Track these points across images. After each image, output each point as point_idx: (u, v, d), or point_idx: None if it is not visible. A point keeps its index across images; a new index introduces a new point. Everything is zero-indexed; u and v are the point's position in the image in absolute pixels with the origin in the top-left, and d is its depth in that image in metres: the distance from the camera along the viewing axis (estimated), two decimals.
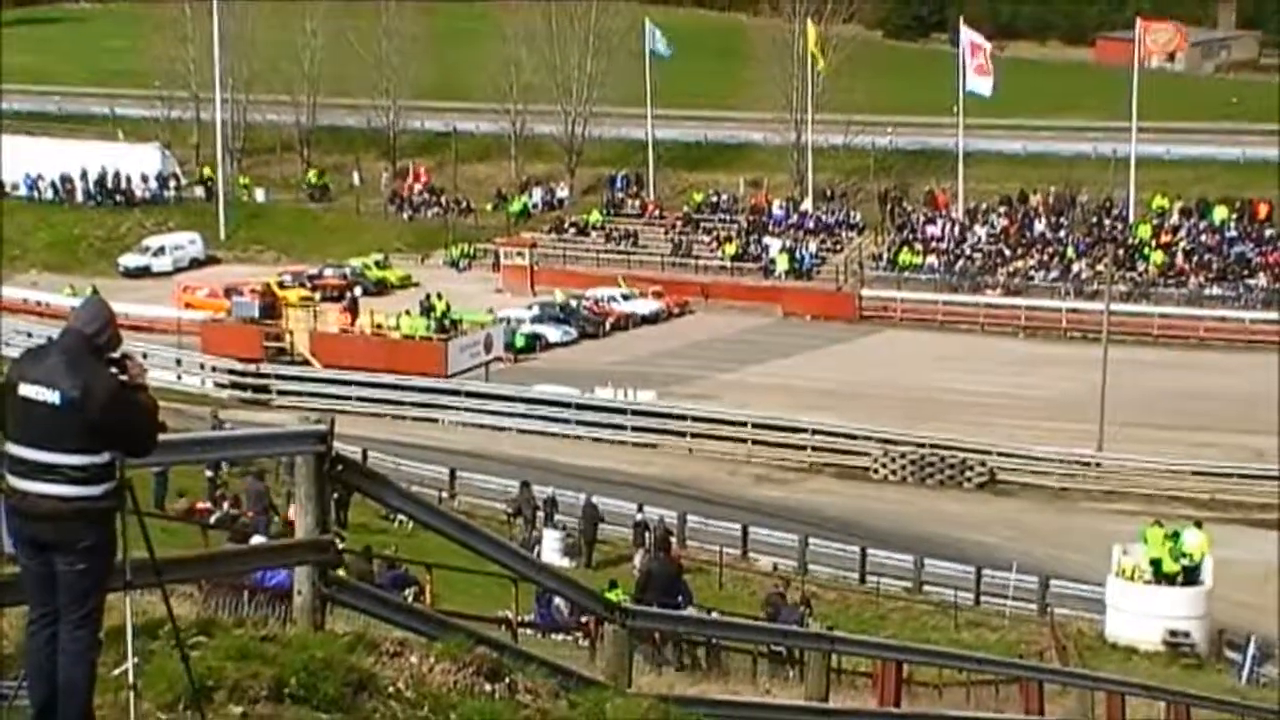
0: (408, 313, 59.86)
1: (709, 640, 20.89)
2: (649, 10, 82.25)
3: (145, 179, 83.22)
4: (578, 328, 65.44)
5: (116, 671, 7.01)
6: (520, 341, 62.42)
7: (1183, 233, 71.63)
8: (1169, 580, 34.61)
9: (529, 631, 19.99)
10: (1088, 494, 47.56)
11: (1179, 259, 69.61)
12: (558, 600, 20.37)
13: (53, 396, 6.39)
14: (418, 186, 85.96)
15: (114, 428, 6.46)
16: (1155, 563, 34.58)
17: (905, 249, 72.89)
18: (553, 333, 64.36)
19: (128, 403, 6.51)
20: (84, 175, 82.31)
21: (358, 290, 68.81)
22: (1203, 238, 71.04)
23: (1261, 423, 50.50)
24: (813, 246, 74.47)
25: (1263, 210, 71.58)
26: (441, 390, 54.58)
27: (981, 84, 74.47)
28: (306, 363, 57.87)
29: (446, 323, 58.99)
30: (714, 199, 79.96)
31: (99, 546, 6.50)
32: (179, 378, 56.20)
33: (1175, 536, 34.88)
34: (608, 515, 40.61)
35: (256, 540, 19.53)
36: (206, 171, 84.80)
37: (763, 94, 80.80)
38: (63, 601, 6.49)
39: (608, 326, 66.56)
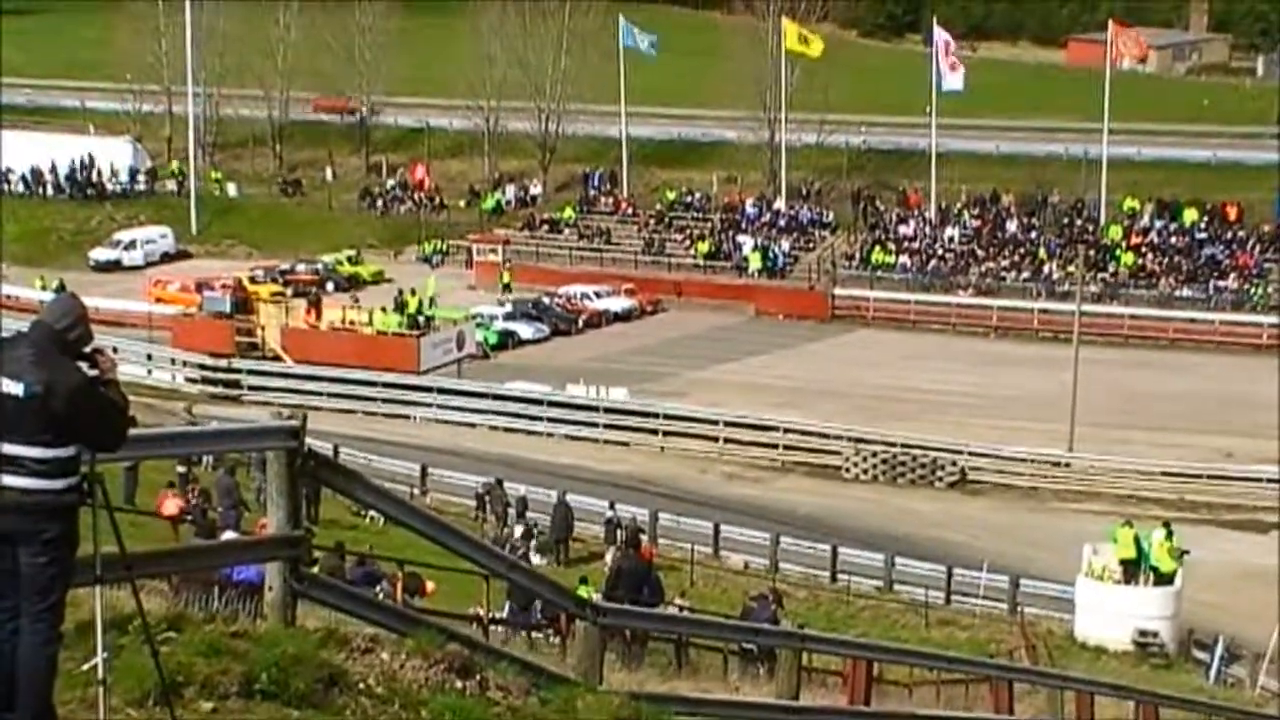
0: (383, 309, 59.67)
1: (680, 637, 20.90)
2: (623, 8, 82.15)
3: (116, 172, 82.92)
4: (550, 325, 65.42)
5: (86, 666, 6.97)
6: (493, 338, 62.41)
7: (1153, 234, 71.96)
8: (1166, 579, 34.67)
9: (500, 629, 19.96)
10: (1058, 494, 47.76)
11: (1149, 260, 69.93)
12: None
13: (16, 388, 6.38)
14: (390, 183, 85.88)
15: (78, 422, 6.44)
16: (1127, 562, 34.64)
17: (878, 248, 73.04)
18: (525, 329, 64.32)
19: (94, 398, 6.49)
20: (54, 168, 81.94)
21: (329, 286, 68.71)
22: (1173, 239, 71.38)
23: (1231, 424, 50.83)
24: (785, 245, 74.57)
25: (1232, 212, 71.95)
26: (414, 386, 54.48)
27: (952, 80, 74.69)
28: (278, 358, 57.72)
29: (420, 319, 58.87)
30: (687, 197, 80.00)
31: (61, 540, 6.47)
32: (149, 372, 55.98)
33: (1170, 534, 34.98)
34: (579, 513, 40.52)
35: (228, 536, 19.49)
36: (175, 166, 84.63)
37: (736, 92, 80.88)
38: (24, 594, 6.47)
39: (580, 324, 66.55)
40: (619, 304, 68.86)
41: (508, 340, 63.21)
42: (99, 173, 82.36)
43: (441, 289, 66.31)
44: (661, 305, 70.42)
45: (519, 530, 38.16)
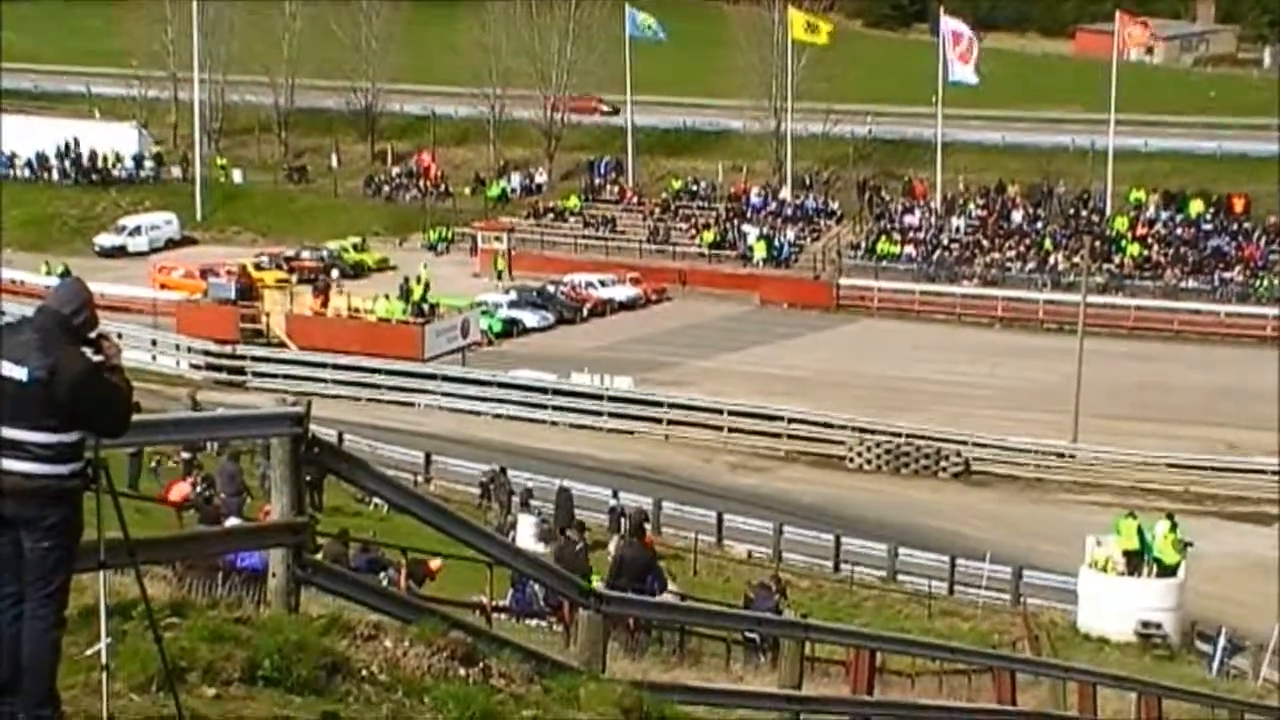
0: (386, 296, 59.68)
1: (683, 627, 20.91)
2: None
3: (121, 158, 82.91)
4: (555, 313, 65.40)
5: (89, 651, 6.98)
6: (497, 326, 62.44)
7: (1159, 226, 71.90)
8: (1169, 570, 34.67)
9: (503, 616, 19.97)
10: (1062, 485, 47.72)
11: (1155, 252, 69.86)
12: (533, 585, 20.34)
13: (20, 373, 6.38)
14: (395, 170, 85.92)
15: (83, 408, 6.44)
16: (1131, 554, 34.63)
17: (883, 238, 72.99)
18: (530, 318, 64.32)
19: (98, 384, 6.48)
20: (60, 154, 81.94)
21: (334, 273, 68.66)
22: (1178, 231, 71.32)
23: (1235, 415, 50.80)
24: (790, 235, 74.53)
25: (1239, 204, 71.85)
26: (418, 374, 54.49)
27: (965, 72, 74.52)
28: (282, 345, 57.73)
29: (424, 307, 58.87)
30: (692, 186, 79.96)
31: (64, 525, 6.48)
32: (154, 358, 55.98)
33: (1173, 526, 34.97)
34: (583, 501, 40.49)
35: (231, 522, 19.49)
36: (158, 150, 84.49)
37: (742, 81, 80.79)
38: (28, 579, 6.47)
39: (585, 312, 66.53)
40: (624, 292, 68.83)
41: (513, 328, 63.22)
42: (104, 159, 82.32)
43: (447, 276, 66.41)
44: (666, 294, 70.37)
45: (528, 519, 38.16)
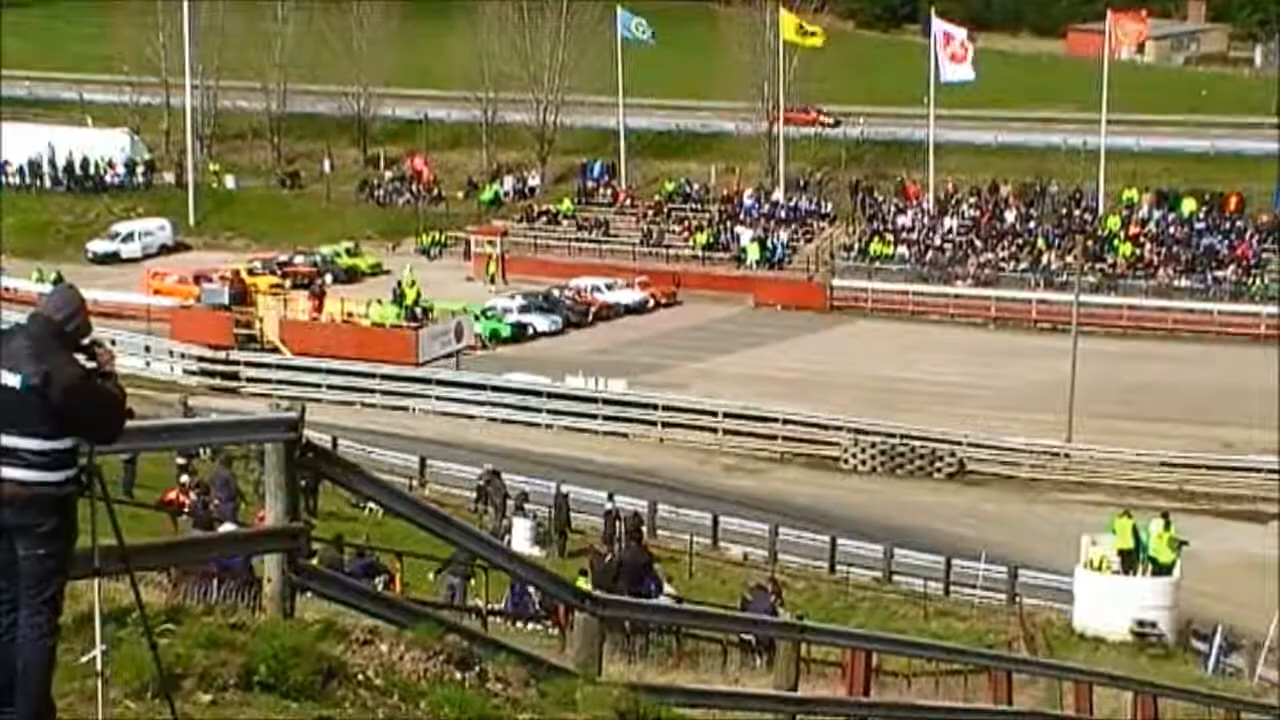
0: (379, 301, 59.63)
1: (679, 629, 20.92)
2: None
3: (113, 164, 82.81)
4: (561, 317, 65.27)
5: (85, 659, 6.98)
6: (505, 330, 62.48)
7: (1151, 225, 71.96)
8: (1164, 569, 34.69)
9: (499, 620, 19.99)
10: (1057, 484, 47.74)
11: (1147, 251, 69.92)
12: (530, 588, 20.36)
13: (14, 380, 6.38)
14: (388, 174, 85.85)
15: (76, 414, 6.44)
16: (1126, 553, 34.65)
17: (876, 239, 72.99)
18: (541, 322, 64.21)
19: (91, 390, 6.48)
20: (52, 160, 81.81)
21: (327, 278, 68.57)
22: (1171, 230, 71.37)
23: (1229, 414, 50.84)
24: (784, 236, 74.52)
25: (1232, 203, 71.92)
26: (412, 378, 54.46)
27: (961, 71, 74.49)
28: (276, 350, 57.68)
29: (418, 311, 58.81)
30: (685, 188, 79.96)
31: (59, 532, 6.47)
32: (148, 364, 55.94)
33: (1168, 525, 35.00)
34: (579, 505, 40.52)
35: (226, 528, 19.49)
36: (142, 154, 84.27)
37: (735, 83, 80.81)
38: (23, 586, 6.47)
39: (590, 316, 66.35)
40: (629, 296, 68.67)
41: (523, 332, 63.16)
42: (96, 165, 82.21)
43: (440, 281, 66.41)
44: (677, 298, 70.02)
45: (523, 523, 38.14)
